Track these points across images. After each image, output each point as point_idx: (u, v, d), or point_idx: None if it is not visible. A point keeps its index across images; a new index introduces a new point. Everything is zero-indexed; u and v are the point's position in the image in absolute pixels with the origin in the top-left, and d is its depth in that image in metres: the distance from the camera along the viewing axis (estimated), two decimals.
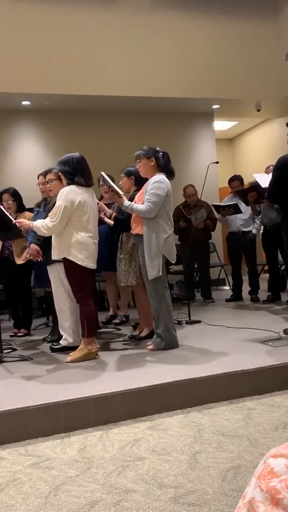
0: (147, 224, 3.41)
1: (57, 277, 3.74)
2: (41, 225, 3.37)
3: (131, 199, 3.67)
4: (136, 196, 3.58)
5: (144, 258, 3.44)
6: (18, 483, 1.97)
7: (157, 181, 3.43)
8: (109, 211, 4.09)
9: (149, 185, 3.44)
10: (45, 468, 2.09)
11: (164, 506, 1.72)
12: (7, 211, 3.80)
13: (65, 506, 1.77)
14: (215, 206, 5.90)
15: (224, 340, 3.71)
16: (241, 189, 5.73)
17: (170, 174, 3.55)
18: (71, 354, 3.42)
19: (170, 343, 3.50)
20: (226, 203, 5.80)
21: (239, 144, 10.46)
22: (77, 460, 2.15)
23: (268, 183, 3.68)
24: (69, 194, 3.34)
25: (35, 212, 4.46)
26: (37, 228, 3.40)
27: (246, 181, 8.56)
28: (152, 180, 3.46)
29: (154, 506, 1.72)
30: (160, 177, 3.47)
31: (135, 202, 3.49)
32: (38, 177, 4.43)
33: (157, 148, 3.57)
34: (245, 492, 1.00)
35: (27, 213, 4.54)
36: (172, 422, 2.50)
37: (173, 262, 3.55)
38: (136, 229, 3.51)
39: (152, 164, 3.51)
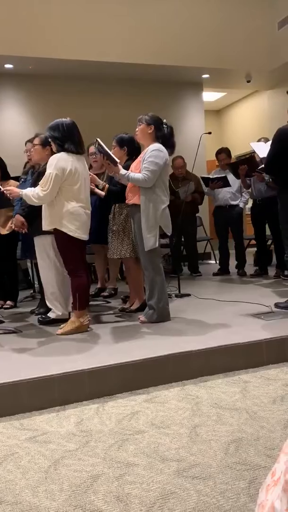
0: (144, 194, 3.30)
1: (42, 248, 3.63)
2: (32, 194, 3.23)
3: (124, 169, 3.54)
4: (133, 165, 3.45)
5: (139, 228, 3.34)
6: (16, 458, 1.92)
7: (156, 149, 3.31)
8: (101, 182, 3.95)
9: (147, 153, 3.32)
10: (43, 442, 2.04)
11: (168, 479, 1.69)
12: None
13: (67, 480, 1.73)
14: (203, 178, 5.81)
15: (216, 313, 3.69)
16: (231, 162, 5.65)
17: (171, 147, 3.44)
18: (62, 326, 3.35)
19: (162, 316, 3.46)
20: (215, 176, 5.72)
21: (226, 116, 10.30)
22: (74, 433, 2.11)
23: (267, 154, 3.60)
24: (59, 162, 3.20)
25: (22, 180, 4.30)
26: (27, 196, 3.26)
27: (233, 154, 8.47)
28: (150, 148, 3.34)
29: (158, 479, 1.70)
30: (159, 145, 3.35)
31: (131, 171, 3.37)
32: (25, 144, 4.26)
33: (164, 120, 3.44)
34: (273, 469, 0.96)
35: (12, 181, 4.37)
36: (168, 395, 2.48)
37: (169, 234, 3.47)
38: (132, 199, 3.40)
39: (149, 132, 3.39)
